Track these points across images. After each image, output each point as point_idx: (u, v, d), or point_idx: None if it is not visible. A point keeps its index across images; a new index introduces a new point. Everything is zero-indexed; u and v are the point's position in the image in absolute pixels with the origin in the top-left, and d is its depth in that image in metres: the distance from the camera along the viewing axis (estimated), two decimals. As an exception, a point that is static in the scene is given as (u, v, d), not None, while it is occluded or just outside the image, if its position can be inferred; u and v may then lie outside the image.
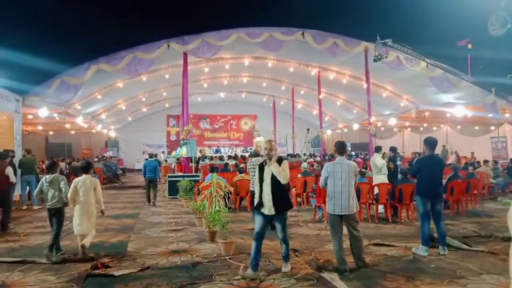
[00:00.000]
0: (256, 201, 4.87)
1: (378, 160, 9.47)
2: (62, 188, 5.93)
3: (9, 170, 8.45)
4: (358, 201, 5.74)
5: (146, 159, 13.11)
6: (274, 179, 4.70)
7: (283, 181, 4.64)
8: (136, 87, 18.37)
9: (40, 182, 6.13)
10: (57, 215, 6.00)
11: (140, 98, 20.82)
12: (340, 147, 5.27)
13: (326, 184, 5.15)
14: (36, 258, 5.71)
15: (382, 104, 19.39)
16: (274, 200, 4.68)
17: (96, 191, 5.85)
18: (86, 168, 6.05)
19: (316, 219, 8.60)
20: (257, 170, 4.93)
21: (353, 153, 20.09)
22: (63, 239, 7.10)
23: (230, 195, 9.11)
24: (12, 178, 8.53)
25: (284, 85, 21.25)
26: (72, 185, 5.77)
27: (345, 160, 5.15)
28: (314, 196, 10.40)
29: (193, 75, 17.15)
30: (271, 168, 4.72)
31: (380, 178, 9.27)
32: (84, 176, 5.91)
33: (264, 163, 4.86)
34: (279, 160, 4.80)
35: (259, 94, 24.65)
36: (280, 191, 4.73)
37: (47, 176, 6.07)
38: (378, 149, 9.96)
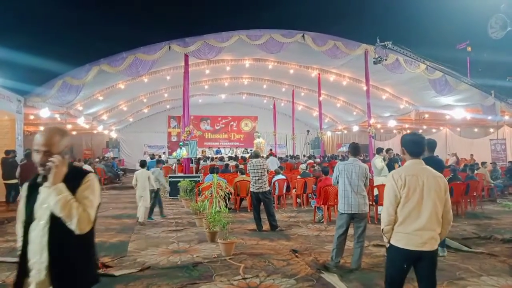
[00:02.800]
0: None
1: (378, 162, 9.43)
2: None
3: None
4: None
5: (150, 160, 13.10)
6: (56, 220, 2.10)
7: (77, 227, 2.06)
8: (137, 88, 18.37)
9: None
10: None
11: (142, 99, 20.82)
12: (354, 149, 5.32)
13: (337, 182, 5.23)
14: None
15: (382, 106, 19.38)
16: (51, 270, 2.10)
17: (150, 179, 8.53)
18: (143, 164, 8.83)
19: (316, 220, 8.58)
20: (25, 193, 2.25)
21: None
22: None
23: (230, 196, 9.14)
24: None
25: (285, 87, 21.25)
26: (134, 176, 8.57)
27: (357, 161, 5.20)
28: (314, 197, 10.39)
29: (194, 76, 17.15)
30: (51, 195, 2.10)
31: (381, 179, 9.24)
32: (141, 170, 8.60)
33: (38, 181, 2.20)
34: (77, 175, 2.18)
35: (260, 96, 24.66)
36: (66, 250, 2.12)
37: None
38: (379, 150, 9.92)
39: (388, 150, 10.18)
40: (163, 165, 14.96)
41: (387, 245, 3.01)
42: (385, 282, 3.05)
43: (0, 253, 6.09)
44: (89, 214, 2.11)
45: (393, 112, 20.24)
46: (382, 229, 3.00)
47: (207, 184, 8.46)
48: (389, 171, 9.04)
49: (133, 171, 24.57)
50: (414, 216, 2.89)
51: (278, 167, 12.50)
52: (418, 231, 2.85)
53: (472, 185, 10.00)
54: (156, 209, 9.32)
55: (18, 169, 10.00)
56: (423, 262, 2.88)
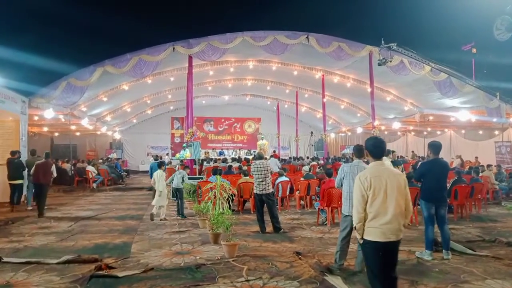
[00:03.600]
0: None
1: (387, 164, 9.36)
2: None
3: (53, 168, 10.66)
4: None
5: (153, 161, 13.12)
6: None
7: None
8: (141, 90, 18.43)
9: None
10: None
11: (145, 100, 20.89)
12: (358, 151, 5.28)
13: (341, 184, 5.19)
14: (41, 258, 5.72)
15: (386, 108, 19.35)
16: None
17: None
18: (160, 165, 9.76)
19: (320, 222, 8.57)
20: None
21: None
22: (66, 240, 7.13)
23: (233, 198, 9.14)
24: (54, 174, 10.82)
25: (288, 89, 21.26)
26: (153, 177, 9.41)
27: (362, 163, 5.17)
28: (318, 199, 10.37)
29: (198, 78, 17.19)
30: None
31: None
32: (158, 170, 9.42)
33: None
34: None
35: (263, 97, 24.68)
36: None
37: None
38: (387, 152, 9.86)
39: (391, 152, 10.16)
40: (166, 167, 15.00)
41: (361, 241, 3.38)
42: (368, 273, 3.40)
43: (5, 253, 6.12)
44: None
45: (398, 114, 20.19)
46: (354, 227, 3.39)
47: (209, 186, 8.46)
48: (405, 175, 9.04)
49: (136, 172, 24.85)
50: (381, 212, 3.28)
51: (281, 169, 12.50)
52: (386, 225, 3.27)
53: (476, 188, 9.95)
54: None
55: (33, 168, 10.29)
56: (391, 251, 3.31)
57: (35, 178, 10.15)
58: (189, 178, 11.90)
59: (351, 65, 15.53)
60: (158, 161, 12.62)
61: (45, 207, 10.18)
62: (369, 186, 3.33)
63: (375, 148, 3.57)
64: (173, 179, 9.87)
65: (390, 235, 3.27)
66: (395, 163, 9.81)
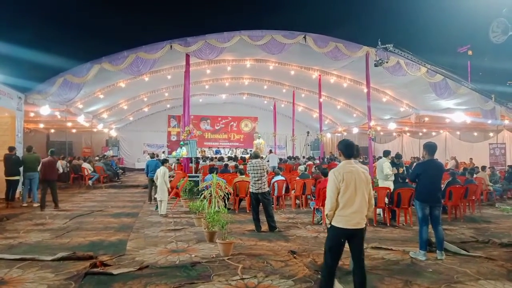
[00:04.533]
0: None
1: (387, 167, 9.33)
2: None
3: (59, 164, 11.13)
4: None
5: (149, 159, 13.12)
6: None
7: None
8: (138, 87, 18.36)
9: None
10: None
11: (142, 98, 20.81)
12: (348, 149, 5.23)
13: None
14: (35, 255, 5.69)
15: (382, 108, 19.39)
16: None
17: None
18: (164, 162, 10.45)
19: (315, 221, 8.59)
20: None
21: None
22: (61, 237, 7.10)
23: (229, 196, 9.14)
24: (60, 170, 11.56)
25: (285, 88, 21.26)
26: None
27: (357, 163, 5.14)
28: (313, 198, 10.38)
29: (195, 76, 17.15)
30: None
31: (387, 184, 9.20)
32: (162, 167, 10.00)
33: None
34: None
35: (260, 97, 24.67)
36: None
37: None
38: (386, 153, 9.83)
39: (398, 157, 10.16)
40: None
41: (329, 226, 4.00)
42: (325, 252, 4.03)
43: (-1, 250, 6.10)
44: None
45: (393, 115, 20.25)
46: (326, 214, 3.98)
47: (206, 183, 8.46)
48: (400, 176, 9.06)
49: (132, 170, 24.79)
50: (350, 203, 3.90)
51: (278, 168, 12.51)
52: (353, 214, 3.88)
53: (471, 189, 10.01)
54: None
55: (40, 165, 10.71)
56: (355, 237, 3.91)
57: (42, 175, 10.55)
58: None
59: (347, 66, 15.55)
60: (162, 158, 12.61)
61: (46, 203, 10.35)
62: (342, 179, 3.92)
63: (346, 149, 4.15)
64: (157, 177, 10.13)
65: (355, 223, 3.86)
66: (395, 165, 9.80)
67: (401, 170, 9.76)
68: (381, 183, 9.35)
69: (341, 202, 3.91)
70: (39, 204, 10.35)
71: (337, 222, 3.91)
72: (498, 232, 7.80)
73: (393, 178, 9.34)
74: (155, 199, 11.24)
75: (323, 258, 4.07)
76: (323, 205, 8.28)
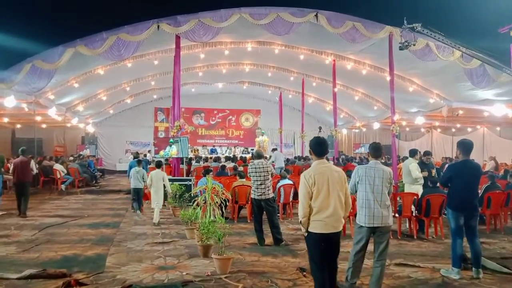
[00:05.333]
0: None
1: (414, 169, 9.30)
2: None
3: (32, 164, 11.51)
4: None
5: (133, 159, 13.15)
6: None
7: None
8: (119, 75, 18.37)
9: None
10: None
11: (124, 87, 20.83)
12: (375, 150, 5.31)
13: (356, 190, 5.21)
14: (2, 273, 5.71)
15: (408, 100, 19.34)
16: None
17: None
18: (158, 165, 10.70)
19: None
20: None
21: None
22: (29, 251, 7.12)
23: (227, 204, 9.15)
24: (34, 170, 11.93)
25: (293, 76, 21.23)
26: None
27: (379, 164, 5.17)
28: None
29: (187, 61, 17.14)
30: None
31: (416, 189, 9.17)
32: (156, 170, 10.31)
33: None
34: None
35: (264, 86, 24.65)
36: None
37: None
38: (413, 153, 9.77)
39: (426, 154, 10.11)
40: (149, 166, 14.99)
41: (305, 234, 4.34)
42: (310, 263, 4.42)
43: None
44: None
45: (421, 107, 20.20)
46: (300, 221, 4.31)
47: (200, 188, 8.47)
48: (430, 179, 9.02)
49: (113, 172, 24.85)
50: (324, 206, 4.23)
51: (284, 170, 12.50)
52: (328, 218, 4.22)
53: (513, 195, 9.97)
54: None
55: (12, 167, 10.98)
56: (332, 242, 4.27)
57: (16, 177, 10.82)
58: (175, 180, 12.00)
59: (367, 49, 15.50)
60: (157, 160, 12.68)
61: (12, 210, 10.48)
62: (313, 183, 4.25)
63: (317, 147, 4.48)
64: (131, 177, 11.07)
65: (331, 227, 4.22)
66: (425, 166, 9.75)
67: (432, 172, 9.70)
68: (408, 188, 9.33)
69: (315, 206, 4.23)
70: (3, 213, 10.38)
71: (314, 228, 4.24)
72: (545, 246, 7.78)
73: (422, 181, 9.31)
74: (133, 207, 11.33)
75: (311, 274, 4.41)
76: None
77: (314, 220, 4.23)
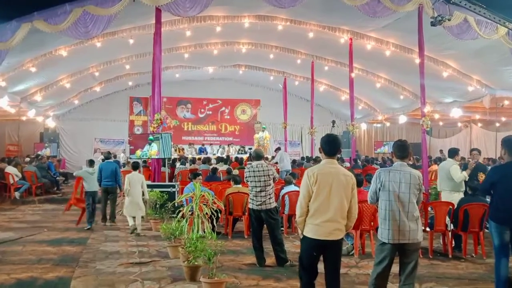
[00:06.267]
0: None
1: (456, 171, 9.27)
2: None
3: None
4: None
5: (103, 160, 13.16)
6: None
7: None
8: (86, 57, 18.34)
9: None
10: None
11: (92, 72, 20.80)
12: (401, 149, 5.30)
13: (377, 198, 5.20)
14: None
15: (442, 87, 19.34)
16: None
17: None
18: (135, 167, 11.32)
19: (343, 251, 8.57)
20: None
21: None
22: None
23: (219, 215, 9.14)
24: None
25: (300, 58, 21.21)
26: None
27: (405, 166, 5.17)
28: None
29: (170, 41, 17.10)
30: None
31: (456, 197, 9.15)
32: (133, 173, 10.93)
33: None
34: None
35: (264, 70, 24.65)
36: None
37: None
38: (453, 153, 9.76)
39: (472, 151, 10.10)
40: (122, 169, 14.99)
41: (301, 236, 4.81)
42: (299, 260, 4.96)
43: None
44: None
45: (458, 97, 20.19)
46: (296, 221, 4.86)
47: (186, 196, 8.46)
48: (469, 185, 9.00)
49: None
50: (323, 210, 4.64)
51: (290, 174, 12.50)
52: (325, 223, 4.63)
53: None
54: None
55: None
56: (329, 251, 4.73)
57: None
58: (155, 186, 12.00)
59: (391, 25, 15.48)
60: (133, 161, 12.72)
61: None
62: (314, 181, 4.67)
63: (327, 145, 4.88)
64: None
65: (327, 234, 4.63)
66: (476, 169, 9.72)
67: (481, 176, 9.63)
68: (447, 196, 9.33)
69: (312, 208, 4.67)
70: None
71: (307, 232, 4.71)
72: None
73: (463, 187, 9.31)
74: (107, 219, 11.41)
75: (298, 274, 5.01)
76: (355, 228, 8.30)
77: (309, 223, 4.69)
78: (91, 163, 12.11)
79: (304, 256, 4.81)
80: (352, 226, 5.00)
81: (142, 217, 10.73)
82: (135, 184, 10.47)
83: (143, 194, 10.59)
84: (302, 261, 4.87)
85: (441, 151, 23.36)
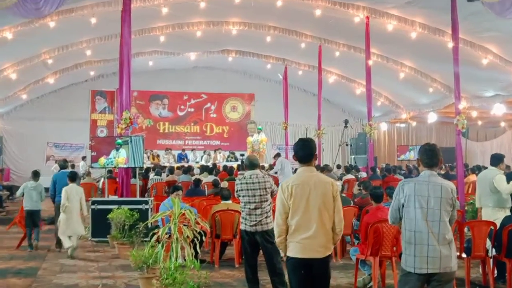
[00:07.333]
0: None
1: (502, 182, 9.26)
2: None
3: None
4: None
5: (59, 171, 13.13)
6: None
7: None
8: (37, 40, 18.33)
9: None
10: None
11: (44, 59, 20.78)
12: (428, 155, 5.28)
13: (400, 217, 5.18)
14: None
15: (480, 78, 19.40)
16: None
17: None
18: (73, 178, 11.37)
19: (359, 284, 8.60)
20: None
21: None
22: None
23: (203, 238, 9.12)
24: None
25: (305, 41, 21.27)
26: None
27: (436, 177, 5.17)
28: (356, 242, 10.36)
29: (141, 19, 17.10)
30: None
31: (501, 215, 9.14)
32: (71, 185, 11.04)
33: None
34: None
35: (260, 57, 24.72)
36: None
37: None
38: (496, 160, 9.70)
39: (502, 161, 10.13)
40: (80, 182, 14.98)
41: (285, 258, 5.17)
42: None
43: None
44: None
45: (500, 90, 20.24)
46: (276, 242, 5.21)
47: (161, 214, 8.46)
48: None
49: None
50: (303, 225, 4.96)
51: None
52: (307, 240, 4.94)
53: None
54: None
55: None
56: (314, 269, 4.98)
57: None
58: (123, 203, 11.97)
59: (417, 0, 15.56)
60: (69, 170, 12.65)
61: None
62: (289, 195, 4.99)
63: (301, 151, 5.23)
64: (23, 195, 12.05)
65: (312, 251, 4.94)
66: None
67: None
68: (489, 213, 9.34)
69: (291, 224, 5.00)
70: None
71: (290, 251, 5.03)
72: None
73: (510, 204, 9.31)
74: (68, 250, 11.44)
75: None
76: (373, 254, 8.32)
77: (290, 241, 5.02)
78: (35, 175, 12.35)
79: (293, 279, 5.09)
80: (338, 239, 5.38)
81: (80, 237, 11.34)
82: (73, 199, 10.83)
83: (81, 209, 11.04)
84: (292, 286, 5.16)
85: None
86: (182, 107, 28.71)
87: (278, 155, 19.55)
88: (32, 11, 13.07)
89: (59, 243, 11.64)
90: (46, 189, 12.59)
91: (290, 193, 4.96)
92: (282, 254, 5.24)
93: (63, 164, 14.08)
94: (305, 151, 5.20)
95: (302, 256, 4.94)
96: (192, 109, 28.80)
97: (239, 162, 21.37)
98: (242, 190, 7.78)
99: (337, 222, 5.07)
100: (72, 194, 10.84)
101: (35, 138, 26.35)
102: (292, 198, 4.94)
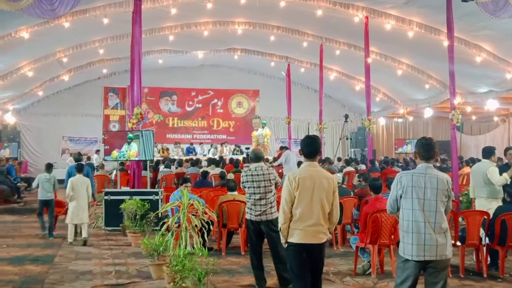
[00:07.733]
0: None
1: (495, 174, 9.24)
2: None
3: None
4: None
5: (77, 161, 13.15)
6: None
7: None
8: (52, 40, 18.32)
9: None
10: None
11: (59, 57, 20.77)
12: (425, 148, 5.27)
13: (397, 207, 5.20)
14: None
15: (475, 75, 19.33)
16: None
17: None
18: (80, 169, 11.51)
19: (358, 270, 8.60)
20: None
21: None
22: None
23: (211, 228, 9.14)
24: None
25: (307, 40, 21.22)
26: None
27: (432, 169, 5.18)
28: (356, 231, 10.36)
29: (151, 20, 17.09)
30: None
31: (494, 205, 9.12)
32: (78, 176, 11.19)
33: None
34: None
35: (264, 55, 24.68)
36: None
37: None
38: (488, 153, 9.71)
39: (508, 150, 10.09)
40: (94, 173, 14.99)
41: (285, 245, 5.43)
42: (289, 271, 5.63)
43: None
44: None
45: (494, 86, 20.17)
46: (280, 228, 5.40)
47: (171, 205, 8.47)
48: (508, 190, 9.00)
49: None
50: (306, 214, 5.27)
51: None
52: (309, 227, 5.26)
53: None
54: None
55: None
56: (313, 253, 5.31)
57: None
58: (135, 194, 11.99)
59: (415, 0, 15.49)
60: (78, 162, 12.69)
61: None
62: (296, 186, 5.28)
63: (306, 148, 5.54)
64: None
65: (313, 238, 5.27)
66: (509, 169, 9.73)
67: None
68: (482, 204, 9.31)
69: (295, 213, 5.28)
70: None
71: (293, 237, 5.30)
72: None
73: (502, 194, 9.29)
74: (77, 233, 11.46)
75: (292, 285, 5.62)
76: (372, 243, 8.32)
77: (293, 229, 5.28)
78: (48, 167, 12.38)
79: (294, 264, 5.36)
80: (333, 228, 5.94)
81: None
82: (79, 189, 10.96)
83: (88, 198, 11.23)
84: (293, 271, 5.41)
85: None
86: (190, 103, 28.69)
87: (285, 147, 19.60)
88: (47, 11, 13.05)
89: (75, 232, 11.68)
90: (61, 181, 12.65)
91: (297, 184, 5.23)
92: (283, 241, 5.39)
93: (77, 157, 14.12)
94: (312, 147, 5.51)
95: (304, 242, 5.22)
96: (200, 105, 28.78)
97: (245, 155, 21.37)
98: (247, 181, 7.79)
99: (334, 213, 5.39)
100: (78, 184, 10.94)
101: (51, 133, 26.37)
102: (299, 190, 5.23)
